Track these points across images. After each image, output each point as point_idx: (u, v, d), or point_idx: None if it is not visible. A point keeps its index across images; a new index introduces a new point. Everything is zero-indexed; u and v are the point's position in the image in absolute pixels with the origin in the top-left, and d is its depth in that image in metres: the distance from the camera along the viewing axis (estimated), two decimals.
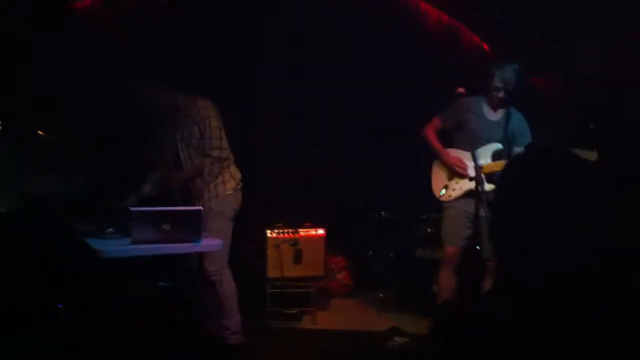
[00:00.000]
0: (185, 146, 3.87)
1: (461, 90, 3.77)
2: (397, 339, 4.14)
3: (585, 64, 4.95)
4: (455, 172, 3.99)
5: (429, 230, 4.97)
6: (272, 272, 4.67)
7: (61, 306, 3.64)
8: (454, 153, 4.04)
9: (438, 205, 4.12)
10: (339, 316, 4.87)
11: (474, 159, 3.74)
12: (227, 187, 3.88)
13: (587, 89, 4.86)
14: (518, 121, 3.98)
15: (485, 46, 5.63)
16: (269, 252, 4.68)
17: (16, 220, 3.85)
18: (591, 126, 4.02)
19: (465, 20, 5.62)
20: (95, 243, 3.32)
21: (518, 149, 3.91)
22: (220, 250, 3.64)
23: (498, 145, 3.91)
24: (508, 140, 3.93)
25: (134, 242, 3.23)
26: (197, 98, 3.86)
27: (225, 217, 3.87)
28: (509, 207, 1.32)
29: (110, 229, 3.51)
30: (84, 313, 3.57)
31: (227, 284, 3.88)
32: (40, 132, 3.97)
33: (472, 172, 3.82)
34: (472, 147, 3.76)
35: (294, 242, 4.76)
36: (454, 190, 4.00)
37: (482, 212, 3.61)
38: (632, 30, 4.49)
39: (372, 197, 5.65)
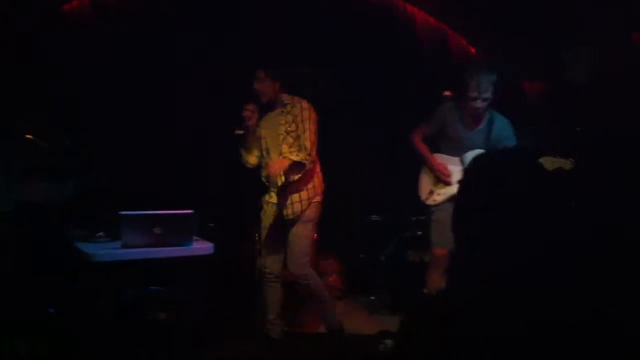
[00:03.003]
0: (280, 141, 3.94)
1: (447, 93, 3.81)
2: (387, 342, 4.15)
3: (574, 68, 4.99)
4: (441, 179, 4.03)
5: (419, 232, 5.00)
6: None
7: (53, 310, 3.65)
8: (440, 159, 4.07)
9: (427, 208, 4.16)
10: None
11: (462, 163, 3.77)
12: (317, 191, 4.02)
13: (575, 92, 4.90)
14: (501, 127, 3.97)
15: (473, 50, 5.67)
16: (259, 255, 4.67)
17: (8, 225, 3.86)
18: (577, 129, 4.06)
19: (452, 24, 5.66)
20: (86, 247, 3.34)
21: None
22: (305, 255, 3.97)
23: (481, 152, 3.91)
24: (492, 146, 3.92)
25: (125, 246, 3.25)
26: (301, 99, 3.99)
27: (314, 224, 4.03)
28: (465, 205, 1.38)
29: (101, 233, 3.53)
30: (77, 317, 3.57)
31: (315, 280, 4.08)
32: (32, 138, 3.98)
33: (457, 177, 3.85)
34: (458, 153, 3.79)
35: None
36: (438, 195, 4.04)
37: None
38: (624, 33, 4.54)
39: (362, 201, 5.67)
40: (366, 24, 5.46)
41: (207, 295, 4.15)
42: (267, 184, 4.03)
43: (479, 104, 3.83)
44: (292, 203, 3.93)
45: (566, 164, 3.65)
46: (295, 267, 3.97)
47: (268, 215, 4.03)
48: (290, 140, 3.91)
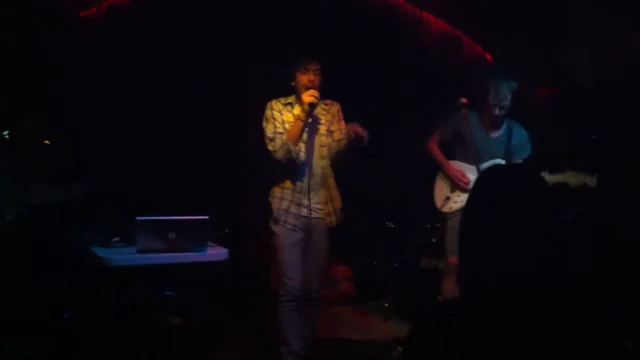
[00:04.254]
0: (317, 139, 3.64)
1: (464, 100, 3.79)
2: (401, 349, 4.13)
3: (584, 73, 4.97)
4: (458, 186, 4.00)
5: (433, 240, 4.97)
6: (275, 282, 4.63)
7: (67, 315, 3.65)
8: (457, 166, 4.04)
9: (441, 215, 4.13)
10: (342, 325, 4.86)
11: (479, 173, 3.75)
12: None
13: (580, 95, 4.88)
14: (519, 136, 3.97)
15: (488, 55, 5.65)
16: (272, 261, 4.65)
17: (19, 229, 3.86)
18: (594, 137, 4.04)
19: (467, 30, 5.65)
20: (100, 252, 3.34)
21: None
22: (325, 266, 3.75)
23: (500, 162, 3.87)
24: (510, 156, 3.92)
25: (140, 251, 3.24)
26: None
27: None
28: (472, 216, 1.39)
29: (116, 238, 3.53)
30: (88, 321, 3.57)
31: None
32: (44, 141, 3.98)
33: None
34: (475, 162, 3.77)
35: None
36: (455, 202, 4.00)
37: None
38: (630, 37, 4.52)
39: (376, 207, 5.64)
40: (367, 24, 5.46)
41: (217, 300, 4.16)
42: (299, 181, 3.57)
43: (498, 111, 3.84)
44: (334, 209, 3.68)
45: (591, 180, 3.61)
46: (320, 279, 3.71)
47: (295, 230, 3.59)
48: (325, 140, 3.64)
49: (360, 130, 3.41)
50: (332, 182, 3.70)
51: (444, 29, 5.68)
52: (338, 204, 3.71)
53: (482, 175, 1.43)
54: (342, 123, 3.72)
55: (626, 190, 4.08)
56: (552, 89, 5.38)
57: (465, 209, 1.42)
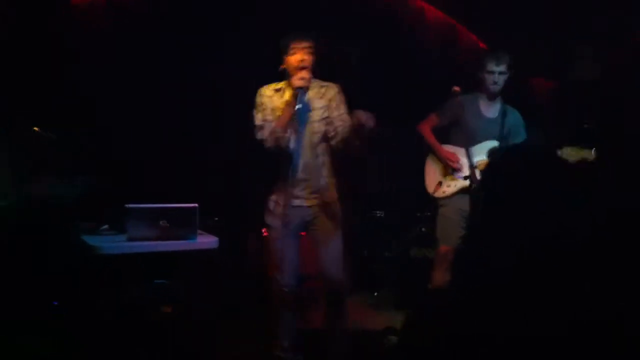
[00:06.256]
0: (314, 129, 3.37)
1: (456, 89, 3.78)
2: (392, 338, 4.14)
3: (582, 66, 4.97)
4: (449, 167, 3.99)
5: (423, 229, 4.98)
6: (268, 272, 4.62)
7: (56, 304, 3.64)
8: (449, 149, 4.03)
9: (432, 204, 4.12)
10: None
11: (469, 158, 3.75)
12: None
13: (584, 89, 4.89)
14: (514, 119, 3.99)
15: (482, 45, 5.65)
16: (265, 251, 4.64)
17: (13, 219, 3.85)
18: (585, 125, 4.04)
19: (463, 20, 5.64)
20: (91, 240, 3.33)
21: None
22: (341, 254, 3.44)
23: (494, 143, 3.88)
24: (504, 138, 3.92)
25: (130, 239, 3.23)
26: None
27: None
28: (487, 200, 1.39)
29: (106, 226, 3.52)
30: (80, 311, 3.56)
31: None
32: (37, 130, 3.96)
33: (466, 171, 3.84)
34: (468, 144, 3.76)
35: None
36: (448, 186, 3.99)
37: None
38: (630, 32, 4.53)
39: (366, 197, 5.64)
40: (367, 22, 5.44)
41: (210, 290, 4.15)
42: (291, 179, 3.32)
43: (497, 77, 3.84)
44: (323, 201, 3.42)
45: (589, 154, 3.59)
46: (339, 272, 3.44)
47: (285, 224, 3.35)
48: (317, 127, 3.35)
49: (363, 117, 3.06)
50: (325, 172, 3.45)
51: (439, 18, 5.67)
52: (330, 196, 3.45)
53: (492, 161, 1.44)
54: (343, 107, 3.39)
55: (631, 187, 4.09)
56: (551, 80, 5.38)
57: (483, 198, 1.42)
